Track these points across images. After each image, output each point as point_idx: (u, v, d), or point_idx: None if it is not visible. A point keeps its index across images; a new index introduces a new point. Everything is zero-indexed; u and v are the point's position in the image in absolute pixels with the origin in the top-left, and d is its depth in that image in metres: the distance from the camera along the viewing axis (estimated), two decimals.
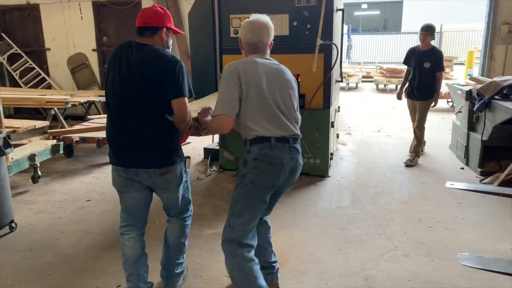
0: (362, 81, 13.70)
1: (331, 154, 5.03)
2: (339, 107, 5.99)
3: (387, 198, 4.31)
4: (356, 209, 4.04)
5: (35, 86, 8.60)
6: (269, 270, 2.65)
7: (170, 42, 2.49)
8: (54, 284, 2.87)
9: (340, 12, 4.79)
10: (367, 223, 3.72)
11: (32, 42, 8.77)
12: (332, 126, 4.92)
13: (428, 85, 5.28)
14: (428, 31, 5.23)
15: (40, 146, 4.76)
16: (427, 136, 5.86)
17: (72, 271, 3.02)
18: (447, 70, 11.66)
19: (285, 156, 2.25)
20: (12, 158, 4.25)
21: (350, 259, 3.14)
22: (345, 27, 22.61)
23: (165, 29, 2.38)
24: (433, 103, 5.39)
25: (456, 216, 3.84)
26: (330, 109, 4.74)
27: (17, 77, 8.61)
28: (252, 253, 2.29)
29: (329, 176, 4.92)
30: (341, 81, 5.17)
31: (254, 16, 2.37)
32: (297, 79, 4.57)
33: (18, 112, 8.91)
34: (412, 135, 5.58)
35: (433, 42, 5.44)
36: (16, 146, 4.85)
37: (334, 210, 4.03)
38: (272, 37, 2.39)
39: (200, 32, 4.86)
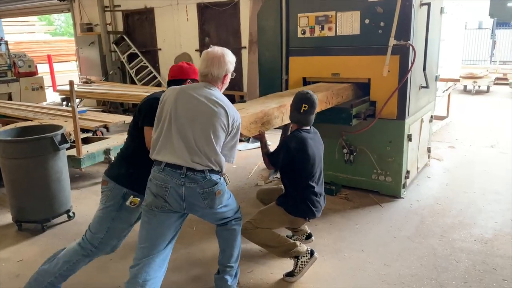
0: (496, 84, 11.72)
1: (408, 172, 4.33)
2: (432, 117, 5.16)
3: (463, 232, 3.52)
4: (415, 242, 3.39)
5: (147, 83, 9.42)
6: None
7: None
8: (73, 277, 3.01)
9: (425, 8, 4.06)
10: (420, 262, 3.08)
11: (148, 43, 9.62)
12: (410, 140, 4.24)
13: None
14: None
15: (117, 141, 5.12)
16: None
17: (95, 267, 3.13)
18: None
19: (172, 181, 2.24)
20: (87, 151, 4.66)
21: None
22: (490, 20, 19.76)
23: (189, 80, 2.70)
24: None
25: None
26: (405, 120, 4.09)
27: (133, 75, 9.55)
28: None
29: (402, 198, 4.25)
30: (427, 87, 4.40)
31: (211, 48, 2.39)
32: (368, 83, 4.16)
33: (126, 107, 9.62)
34: None
35: None
36: (101, 139, 5.35)
37: (388, 240, 3.44)
38: (227, 69, 2.39)
39: (268, 32, 4.64)
